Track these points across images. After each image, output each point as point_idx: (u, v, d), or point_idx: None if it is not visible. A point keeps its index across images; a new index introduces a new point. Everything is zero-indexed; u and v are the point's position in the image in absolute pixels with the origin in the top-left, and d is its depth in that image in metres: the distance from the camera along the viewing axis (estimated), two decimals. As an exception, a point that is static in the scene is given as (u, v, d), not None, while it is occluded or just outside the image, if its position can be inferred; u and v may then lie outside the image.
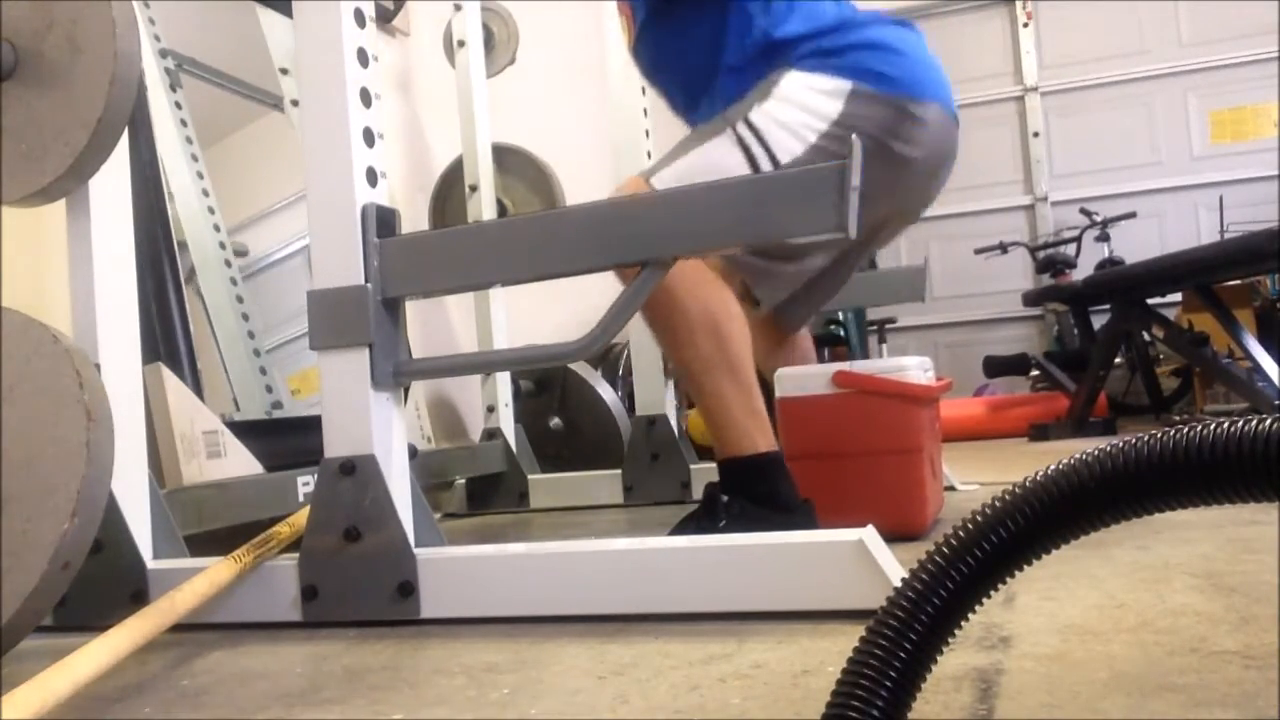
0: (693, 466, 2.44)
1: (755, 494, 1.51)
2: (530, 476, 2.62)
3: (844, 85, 1.58)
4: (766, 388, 2.26)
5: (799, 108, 1.57)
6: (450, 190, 2.87)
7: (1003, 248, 4.71)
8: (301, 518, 1.31)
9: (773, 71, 1.60)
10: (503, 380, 2.68)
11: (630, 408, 2.83)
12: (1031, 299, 4.64)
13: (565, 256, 1.23)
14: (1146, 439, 0.43)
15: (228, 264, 2.12)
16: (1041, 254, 4.75)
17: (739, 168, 1.54)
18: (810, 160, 1.54)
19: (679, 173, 1.56)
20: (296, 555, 1.27)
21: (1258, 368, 3.28)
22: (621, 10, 1.82)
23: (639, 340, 2.55)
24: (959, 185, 5.60)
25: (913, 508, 1.64)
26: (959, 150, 1.72)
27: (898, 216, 1.79)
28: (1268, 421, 0.40)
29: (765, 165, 1.54)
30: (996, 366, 4.61)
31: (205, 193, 2.10)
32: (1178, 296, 4.22)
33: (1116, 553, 1.32)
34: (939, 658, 0.47)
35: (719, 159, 1.55)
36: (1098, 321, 4.21)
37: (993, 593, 0.47)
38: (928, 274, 2.46)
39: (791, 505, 1.52)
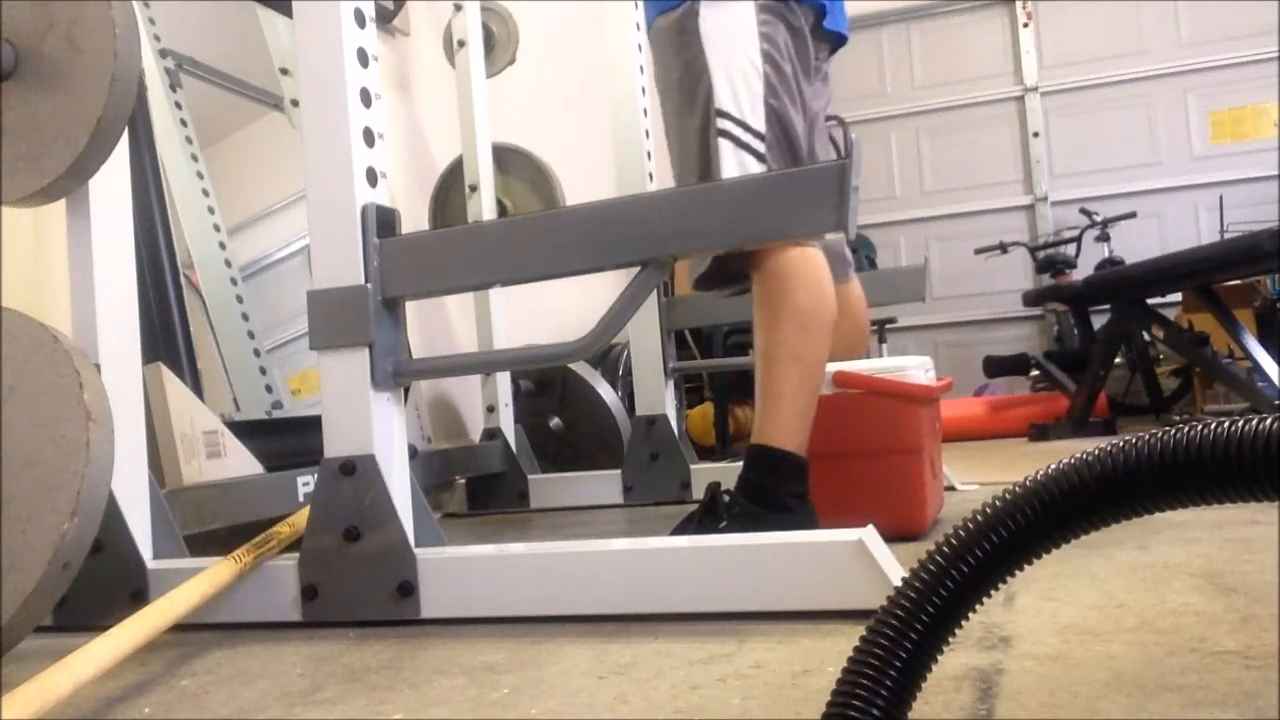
0: (693, 466, 2.44)
1: (767, 488, 1.51)
2: (530, 476, 2.62)
3: None
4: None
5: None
6: (450, 190, 2.87)
7: (1003, 248, 4.71)
8: (301, 518, 1.31)
9: None
10: (503, 380, 2.68)
11: (630, 408, 2.83)
12: (1031, 299, 4.64)
13: (565, 256, 1.23)
14: (1146, 439, 0.43)
15: (228, 264, 2.12)
16: (1041, 254, 4.75)
17: None
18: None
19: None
20: (296, 555, 1.27)
21: (1258, 368, 3.27)
22: None
23: (639, 340, 2.55)
24: (959, 185, 5.65)
25: (913, 508, 1.64)
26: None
27: None
28: (1268, 421, 0.40)
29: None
30: (996, 366, 4.61)
31: (205, 193, 2.10)
32: (1178, 296, 4.21)
33: (1116, 553, 1.32)
34: (939, 658, 0.47)
35: None
36: (1098, 321, 4.21)
37: (993, 593, 0.47)
38: (928, 274, 2.46)
39: (794, 506, 1.52)
